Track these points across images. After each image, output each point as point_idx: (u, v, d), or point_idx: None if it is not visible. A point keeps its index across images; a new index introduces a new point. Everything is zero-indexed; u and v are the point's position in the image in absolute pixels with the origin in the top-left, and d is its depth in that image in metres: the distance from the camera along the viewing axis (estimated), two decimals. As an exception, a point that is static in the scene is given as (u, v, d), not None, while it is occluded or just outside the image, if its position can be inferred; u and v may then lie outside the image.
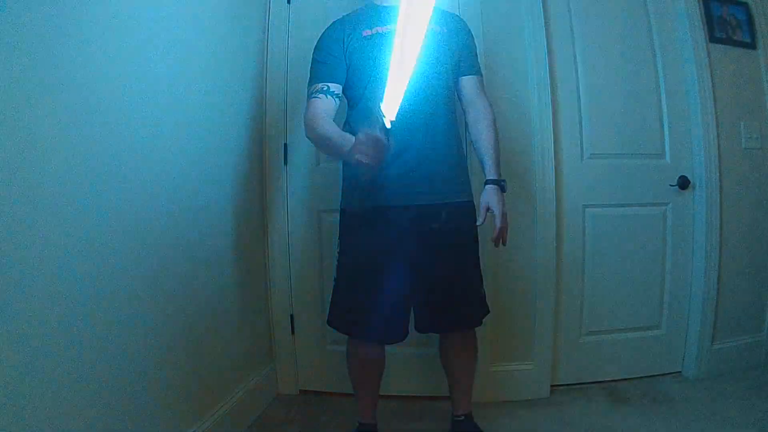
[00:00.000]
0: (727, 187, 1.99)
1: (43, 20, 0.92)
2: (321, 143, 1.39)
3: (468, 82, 1.51)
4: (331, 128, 1.35)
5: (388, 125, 1.12)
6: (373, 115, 1.15)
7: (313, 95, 1.40)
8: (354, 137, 1.24)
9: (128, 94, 1.17)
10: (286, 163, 1.96)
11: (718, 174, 1.97)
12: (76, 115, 1.00)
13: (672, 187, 1.99)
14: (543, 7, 1.89)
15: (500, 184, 1.44)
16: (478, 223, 1.43)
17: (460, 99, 1.54)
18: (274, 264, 1.98)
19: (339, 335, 1.54)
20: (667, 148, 2.01)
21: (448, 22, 1.49)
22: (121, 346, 1.15)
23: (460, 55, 1.48)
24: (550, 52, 1.90)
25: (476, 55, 1.55)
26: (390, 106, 1.11)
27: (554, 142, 1.89)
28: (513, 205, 1.86)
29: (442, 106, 1.43)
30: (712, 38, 1.99)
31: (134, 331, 1.20)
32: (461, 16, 1.62)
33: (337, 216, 1.53)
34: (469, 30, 1.54)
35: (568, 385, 2.01)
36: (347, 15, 1.47)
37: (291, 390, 2.03)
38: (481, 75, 1.55)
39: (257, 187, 1.93)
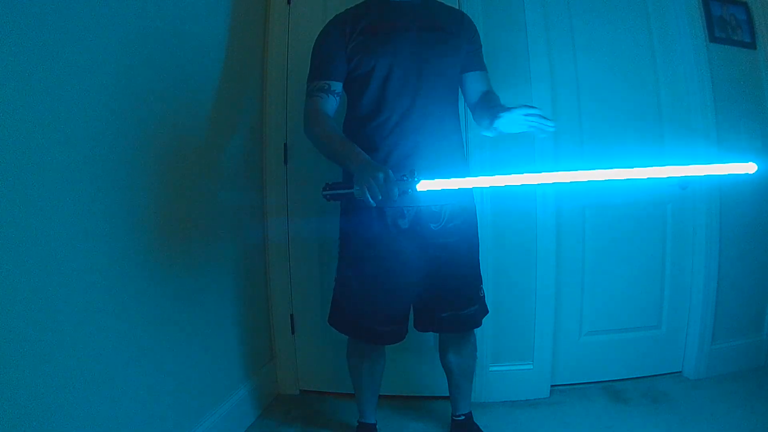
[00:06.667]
0: (727, 187, 1.98)
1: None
2: (322, 145, 1.34)
3: (476, 77, 1.48)
4: (335, 132, 1.32)
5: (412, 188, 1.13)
6: (405, 171, 1.14)
7: (314, 94, 1.38)
8: (359, 150, 1.23)
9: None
10: (286, 163, 1.96)
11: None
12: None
13: (672, 187, 1.99)
14: (543, 8, 1.89)
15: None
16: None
17: (466, 95, 1.51)
18: (274, 264, 1.98)
19: (339, 335, 1.54)
20: (666, 148, 2.00)
21: (453, 18, 1.47)
22: (121, 347, 1.15)
23: (467, 52, 1.46)
24: (549, 52, 1.90)
25: (482, 51, 1.52)
26: (423, 184, 1.13)
27: (554, 140, 1.89)
28: (513, 204, 1.87)
29: (446, 106, 1.43)
30: (712, 38, 1.99)
31: (134, 332, 1.20)
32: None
33: (338, 216, 1.53)
34: (475, 27, 1.52)
35: (568, 385, 2.01)
36: (350, 9, 1.45)
37: (291, 390, 2.03)
38: (487, 71, 1.52)
39: (257, 187, 1.93)
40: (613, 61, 1.96)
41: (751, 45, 2.06)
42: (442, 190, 1.32)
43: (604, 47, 1.95)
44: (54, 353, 0.95)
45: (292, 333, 2.02)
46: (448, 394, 1.64)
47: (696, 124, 1.98)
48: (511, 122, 1.25)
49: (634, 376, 2.03)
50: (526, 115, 1.21)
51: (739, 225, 2.03)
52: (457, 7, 1.72)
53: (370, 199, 1.11)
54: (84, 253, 1.03)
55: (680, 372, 2.08)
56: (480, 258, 1.52)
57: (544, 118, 1.22)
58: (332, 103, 1.38)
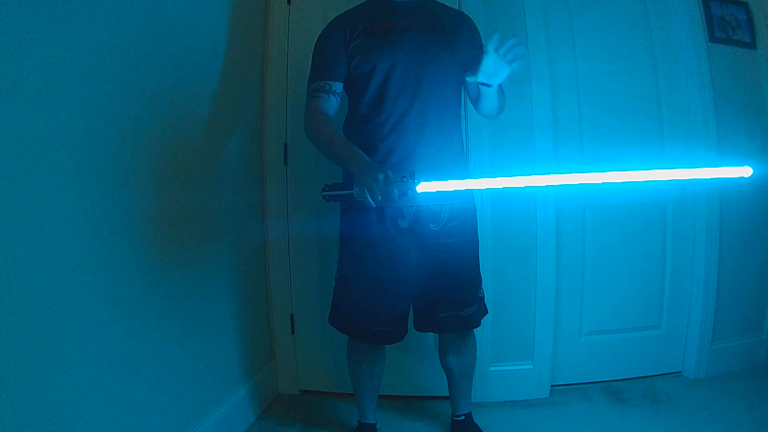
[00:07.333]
0: (727, 187, 1.98)
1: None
2: (322, 146, 1.33)
3: None
4: (335, 133, 1.32)
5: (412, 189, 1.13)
6: (406, 172, 1.15)
7: (315, 95, 1.38)
8: (359, 151, 1.23)
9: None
10: (286, 163, 1.96)
11: (718, 174, 1.97)
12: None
13: (672, 187, 1.99)
14: (543, 8, 1.89)
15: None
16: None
17: (470, 94, 1.49)
18: (274, 264, 1.98)
19: (339, 335, 1.54)
20: (666, 148, 2.01)
21: (454, 18, 1.47)
22: (120, 347, 1.15)
23: (468, 52, 1.45)
24: (549, 52, 1.90)
25: (484, 51, 1.52)
26: (423, 186, 1.14)
27: (554, 142, 1.89)
28: (513, 204, 1.87)
29: (446, 106, 1.42)
30: (712, 38, 1.99)
31: (133, 332, 1.20)
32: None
33: (338, 216, 1.53)
34: (476, 26, 1.51)
35: (568, 385, 2.01)
36: (350, 9, 1.45)
37: (291, 390, 2.03)
38: None
39: (257, 187, 1.93)
40: (613, 61, 1.96)
41: (751, 45, 2.06)
42: (443, 192, 1.32)
43: (604, 48, 1.95)
44: (52, 354, 0.95)
45: (292, 333, 2.02)
46: (448, 394, 1.64)
47: (696, 123, 1.98)
48: (492, 71, 1.24)
49: (634, 376, 2.04)
50: (497, 51, 1.19)
51: (739, 225, 2.03)
52: (457, 8, 1.72)
53: (370, 199, 1.11)
54: (82, 254, 1.03)
55: (680, 372, 2.08)
56: (480, 258, 1.52)
57: (515, 45, 1.18)
58: (333, 103, 1.38)
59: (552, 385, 1.97)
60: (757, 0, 2.08)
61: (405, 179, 1.13)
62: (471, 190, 1.50)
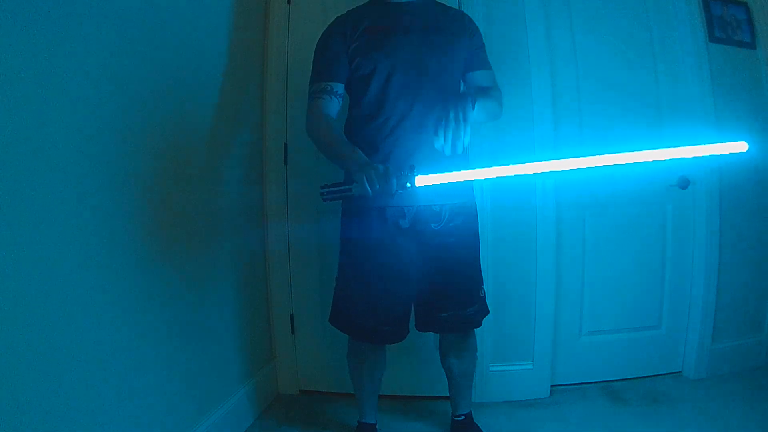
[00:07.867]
0: (727, 187, 1.99)
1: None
2: (323, 146, 1.35)
3: (480, 76, 1.47)
4: (336, 134, 1.33)
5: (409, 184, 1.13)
6: (405, 167, 1.15)
7: (316, 96, 1.38)
8: (359, 152, 1.23)
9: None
10: (286, 163, 1.96)
11: (718, 174, 1.97)
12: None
13: (672, 187, 1.99)
14: (544, 7, 1.89)
15: (472, 99, 1.30)
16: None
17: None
18: (274, 264, 1.98)
19: (339, 335, 1.54)
20: (666, 147, 2.00)
21: (454, 18, 1.47)
22: (120, 347, 1.15)
23: (469, 52, 1.46)
24: (550, 51, 1.90)
25: (485, 50, 1.51)
26: (422, 179, 1.13)
27: (554, 140, 1.89)
28: (513, 205, 1.87)
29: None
30: (712, 38, 1.99)
31: (133, 332, 1.20)
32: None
33: (338, 216, 1.53)
34: (476, 26, 1.51)
35: (568, 385, 2.01)
36: (351, 10, 1.45)
37: (291, 390, 2.03)
38: (492, 69, 1.51)
39: (257, 187, 1.93)
40: (613, 62, 1.96)
41: (751, 45, 2.06)
42: (443, 190, 1.31)
43: (604, 48, 1.95)
44: (52, 354, 0.95)
45: (292, 333, 2.02)
46: (448, 394, 1.64)
47: (696, 124, 1.98)
48: (451, 146, 1.24)
49: (634, 376, 2.03)
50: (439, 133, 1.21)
51: (739, 225, 2.03)
52: (457, 8, 1.72)
53: (368, 188, 1.11)
54: (82, 253, 1.03)
55: (680, 372, 2.08)
56: (480, 258, 1.51)
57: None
58: (334, 104, 1.39)
59: (552, 385, 1.97)
60: (757, 0, 2.08)
61: (404, 174, 1.13)
62: (472, 190, 1.50)
